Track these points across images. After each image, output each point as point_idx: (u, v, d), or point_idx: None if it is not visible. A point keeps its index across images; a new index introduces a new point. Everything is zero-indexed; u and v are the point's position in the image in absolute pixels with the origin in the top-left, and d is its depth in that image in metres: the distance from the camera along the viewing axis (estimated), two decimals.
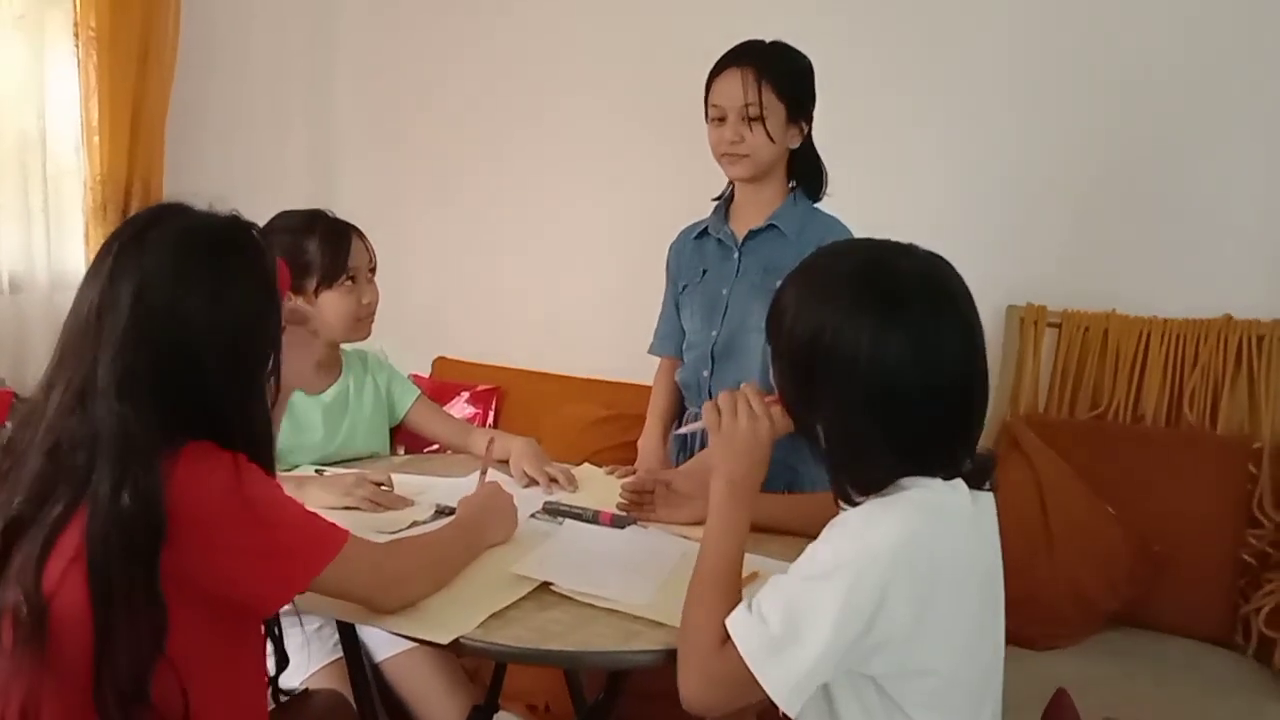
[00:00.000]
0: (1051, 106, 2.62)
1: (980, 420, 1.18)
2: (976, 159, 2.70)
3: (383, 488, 1.77)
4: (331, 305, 1.96)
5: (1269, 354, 2.39)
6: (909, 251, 1.19)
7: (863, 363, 1.10)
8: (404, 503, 1.76)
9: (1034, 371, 2.63)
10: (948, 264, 1.18)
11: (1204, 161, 2.49)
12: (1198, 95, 2.47)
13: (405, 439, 2.30)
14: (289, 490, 1.69)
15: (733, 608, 1.13)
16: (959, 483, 1.15)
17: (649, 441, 2.17)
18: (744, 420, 1.22)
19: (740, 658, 1.08)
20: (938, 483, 1.14)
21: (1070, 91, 2.59)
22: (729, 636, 1.10)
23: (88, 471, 1.10)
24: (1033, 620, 2.10)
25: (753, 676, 1.06)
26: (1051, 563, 2.19)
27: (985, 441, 2.55)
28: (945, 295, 1.14)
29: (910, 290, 1.13)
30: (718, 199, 2.13)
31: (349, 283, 1.97)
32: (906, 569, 1.07)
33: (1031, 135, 2.64)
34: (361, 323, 2.03)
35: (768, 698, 1.08)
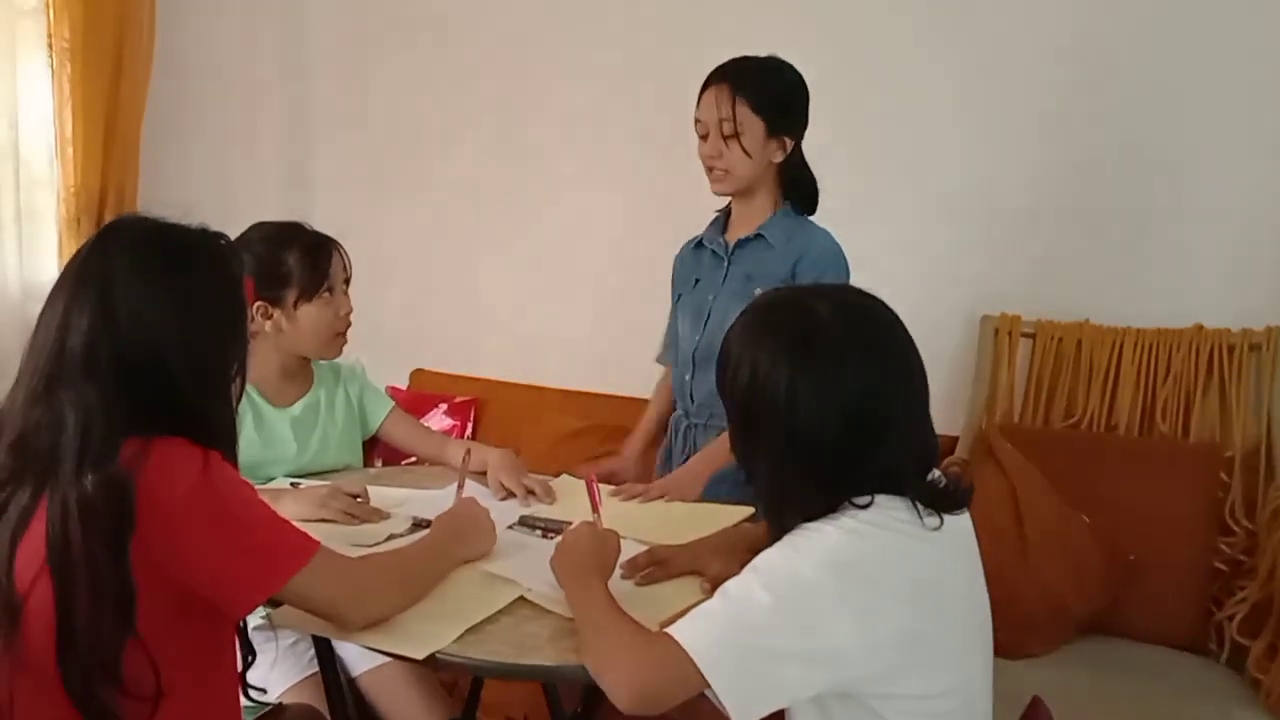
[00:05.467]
0: (1026, 120, 2.64)
1: (912, 446, 1.20)
2: (952, 171, 2.72)
3: (358, 500, 1.76)
4: (310, 318, 1.95)
5: (1239, 363, 2.41)
6: (828, 294, 1.24)
7: (782, 407, 1.15)
8: (379, 515, 1.75)
9: (1008, 381, 2.65)
10: (871, 301, 1.23)
11: (1175, 174, 2.51)
12: (1169, 108, 2.50)
13: (383, 453, 2.29)
14: (264, 499, 1.69)
15: (628, 616, 1.20)
16: (901, 501, 1.16)
17: (632, 439, 2.22)
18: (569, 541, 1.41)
19: (679, 647, 1.09)
20: (881, 499, 1.16)
21: (1043, 105, 2.62)
22: (660, 631, 1.13)
23: (52, 456, 1.11)
24: (1007, 628, 2.08)
25: (693, 666, 1.07)
26: (1026, 571, 2.20)
27: (961, 451, 2.57)
28: (856, 336, 1.18)
29: (819, 334, 1.17)
30: (720, 210, 2.17)
31: (327, 295, 1.96)
32: (849, 577, 1.09)
33: (1006, 148, 2.66)
34: (338, 337, 2.01)
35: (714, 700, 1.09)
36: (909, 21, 2.73)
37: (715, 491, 1.91)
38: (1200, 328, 2.46)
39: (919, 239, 2.77)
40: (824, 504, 1.17)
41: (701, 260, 2.16)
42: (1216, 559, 2.29)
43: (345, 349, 2.08)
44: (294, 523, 1.27)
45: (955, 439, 2.62)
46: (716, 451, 1.95)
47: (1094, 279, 2.61)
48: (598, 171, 3.16)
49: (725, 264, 2.08)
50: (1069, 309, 2.61)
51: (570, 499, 1.92)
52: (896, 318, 1.23)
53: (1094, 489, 2.34)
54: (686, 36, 2.65)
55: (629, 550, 1.51)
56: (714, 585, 1.45)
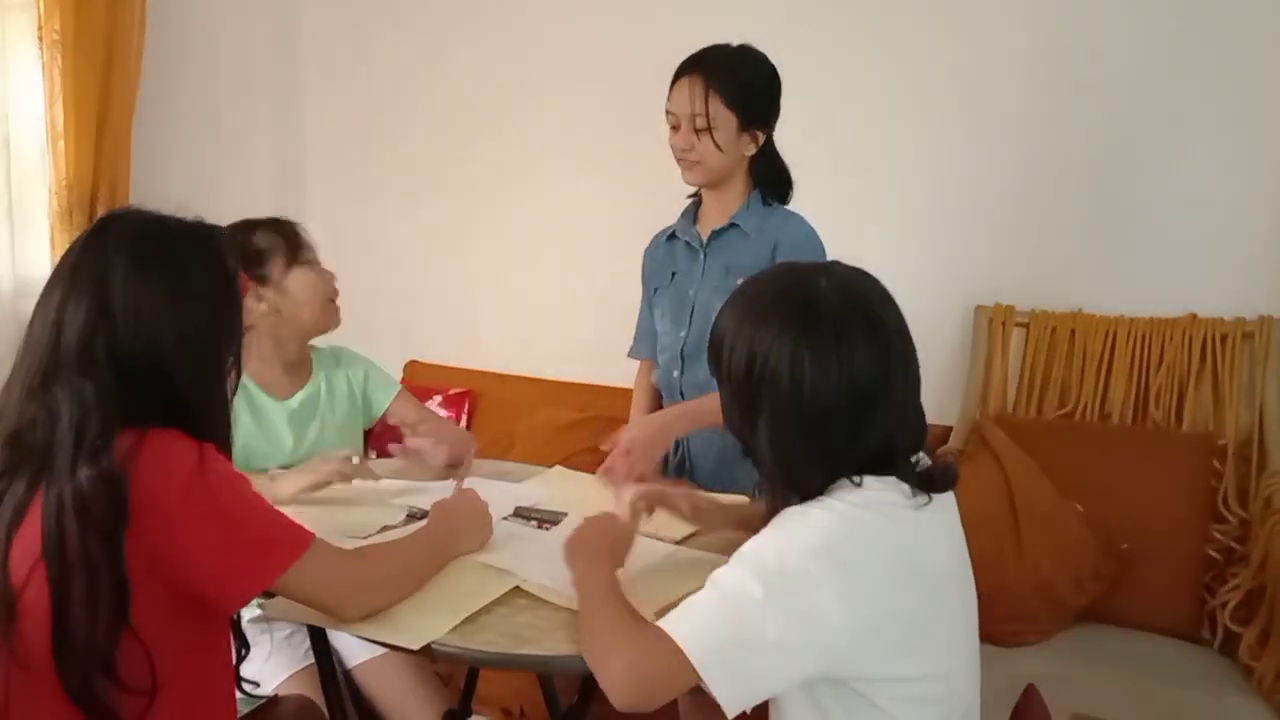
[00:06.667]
0: (1019, 111, 2.64)
1: (907, 422, 1.22)
2: (944, 161, 2.72)
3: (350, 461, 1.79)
4: (301, 283, 1.94)
5: (1232, 352, 2.42)
6: (828, 269, 1.24)
7: (785, 383, 1.16)
8: (370, 473, 1.79)
9: (1002, 371, 2.65)
10: (869, 278, 1.24)
11: (1168, 163, 2.52)
12: (1161, 97, 2.51)
13: (391, 438, 2.27)
14: (259, 486, 1.71)
15: (628, 606, 1.21)
16: (894, 481, 1.17)
17: None
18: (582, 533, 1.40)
19: (670, 640, 1.10)
20: (870, 480, 1.17)
21: (1036, 94, 2.62)
22: (652, 624, 1.13)
23: (47, 450, 1.12)
24: (1001, 617, 2.12)
25: (685, 660, 1.08)
26: (1019, 560, 2.21)
27: (955, 441, 2.58)
28: (858, 308, 1.19)
29: (822, 308, 1.17)
30: (691, 196, 2.14)
31: (310, 261, 1.96)
32: (835, 561, 1.09)
33: (999, 138, 2.66)
34: (331, 304, 2.00)
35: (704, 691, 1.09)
36: (902, 14, 2.73)
37: (746, 471, 1.87)
38: (1194, 317, 2.47)
39: (913, 231, 2.77)
40: (824, 479, 1.17)
41: (675, 253, 2.13)
42: (1209, 547, 2.30)
43: (341, 342, 2.08)
44: (288, 514, 1.26)
45: (949, 429, 2.63)
46: (694, 410, 1.92)
47: (1087, 268, 2.61)
48: (591, 164, 3.16)
49: (702, 256, 2.06)
50: (1062, 299, 2.62)
51: (565, 489, 1.92)
52: (888, 291, 1.24)
53: (1088, 478, 2.35)
54: (676, 28, 2.64)
55: (643, 546, 1.51)
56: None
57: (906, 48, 2.73)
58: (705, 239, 2.05)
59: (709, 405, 1.94)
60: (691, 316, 2.05)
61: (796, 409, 1.16)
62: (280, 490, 1.73)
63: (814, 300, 1.18)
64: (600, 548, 1.36)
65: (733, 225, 2.01)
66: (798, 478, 1.19)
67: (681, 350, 2.07)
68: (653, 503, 1.57)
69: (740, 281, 1.92)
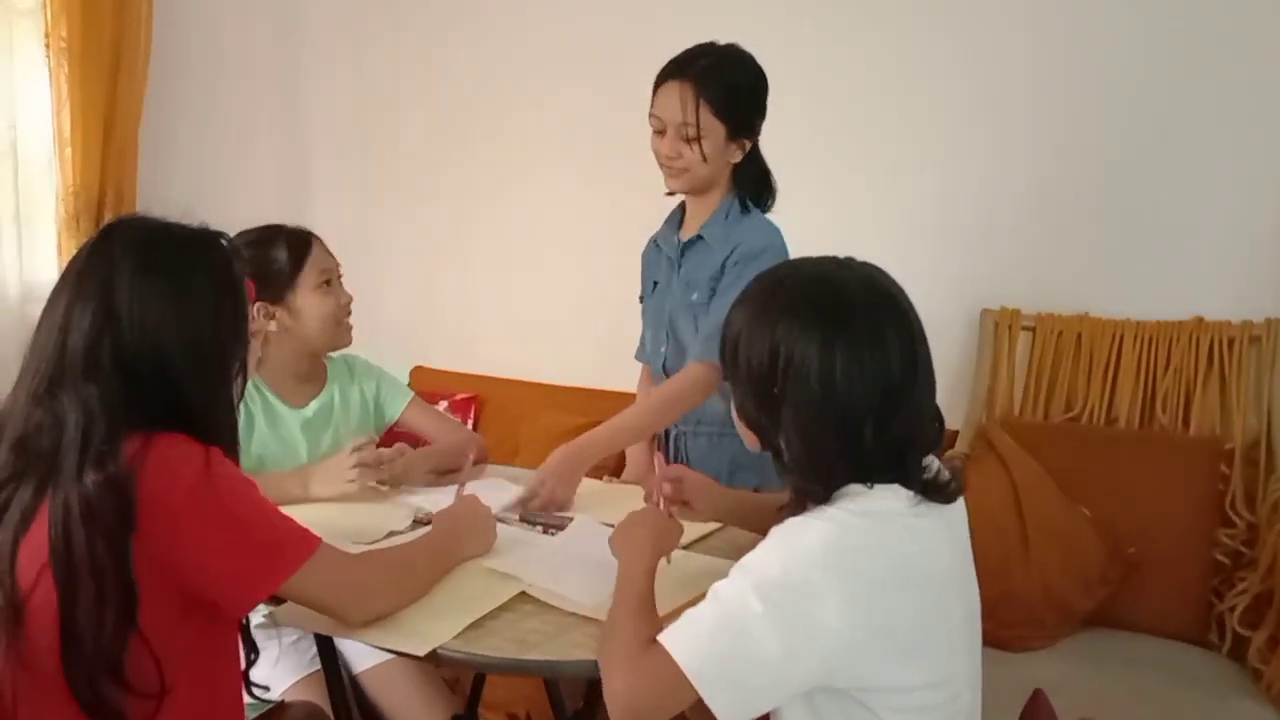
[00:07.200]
0: (1025, 114, 2.64)
1: (928, 423, 1.21)
2: (951, 165, 2.72)
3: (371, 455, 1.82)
4: (313, 308, 1.94)
5: (1239, 355, 2.41)
6: (847, 264, 1.22)
7: (815, 378, 1.13)
8: (394, 464, 1.84)
9: (1008, 375, 2.65)
10: (885, 273, 1.22)
11: (1173, 166, 2.51)
12: (1168, 102, 2.50)
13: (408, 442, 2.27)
14: (291, 487, 1.69)
15: (651, 618, 1.19)
16: (897, 488, 1.16)
17: (635, 447, 2.16)
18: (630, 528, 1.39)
19: (669, 657, 1.08)
20: (879, 489, 1.15)
21: (1043, 99, 2.62)
22: (656, 641, 1.12)
23: (54, 455, 1.12)
24: (1008, 622, 2.11)
25: (683, 677, 1.07)
26: (1026, 565, 2.20)
27: (961, 445, 2.57)
28: (887, 303, 1.18)
29: (854, 302, 1.16)
30: (669, 193, 2.08)
31: (326, 285, 1.95)
32: (838, 570, 1.08)
33: (1005, 142, 2.66)
34: (342, 325, 2.00)
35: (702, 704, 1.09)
36: (905, 14, 2.73)
37: (744, 481, 1.87)
38: (1200, 320, 2.47)
39: (918, 233, 2.77)
40: (850, 475, 1.16)
41: (660, 261, 2.09)
42: (1217, 551, 2.30)
43: (348, 350, 2.08)
44: (296, 519, 1.26)
45: (955, 433, 2.62)
46: (611, 433, 1.88)
47: (1094, 272, 2.61)
48: (592, 165, 3.16)
49: (677, 268, 2.01)
50: (1069, 302, 2.61)
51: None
52: (902, 287, 1.22)
53: (1094, 482, 2.34)
54: (676, 28, 2.65)
55: None
56: None
57: (909, 48, 2.73)
58: (680, 250, 2.01)
59: (626, 423, 1.90)
60: (667, 332, 2.02)
61: (826, 404, 1.14)
62: (316, 491, 1.79)
63: (839, 292, 1.17)
64: (644, 539, 1.34)
65: (699, 237, 1.96)
66: (827, 475, 1.16)
67: (664, 366, 2.03)
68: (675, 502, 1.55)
69: (695, 297, 1.92)
